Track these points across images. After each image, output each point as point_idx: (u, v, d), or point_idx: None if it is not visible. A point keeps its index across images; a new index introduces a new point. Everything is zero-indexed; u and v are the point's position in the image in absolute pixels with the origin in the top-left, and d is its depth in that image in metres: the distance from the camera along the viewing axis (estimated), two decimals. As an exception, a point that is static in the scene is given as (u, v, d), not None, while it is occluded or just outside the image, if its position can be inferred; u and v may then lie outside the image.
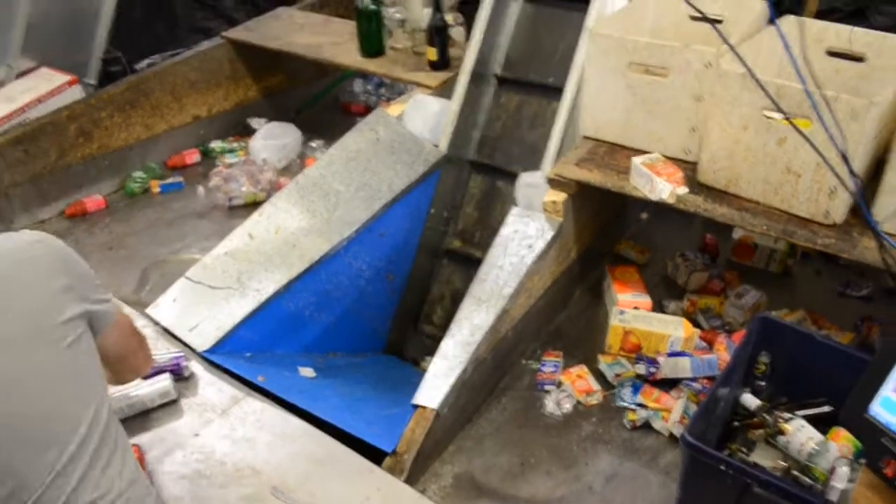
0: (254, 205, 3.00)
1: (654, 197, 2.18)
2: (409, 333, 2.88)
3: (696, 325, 2.46)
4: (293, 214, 2.50)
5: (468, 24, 2.99)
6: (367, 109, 3.85)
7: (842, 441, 1.83)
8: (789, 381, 2.03)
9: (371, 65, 3.25)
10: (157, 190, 3.30)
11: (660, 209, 2.41)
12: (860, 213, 1.97)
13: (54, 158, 3.05)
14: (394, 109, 2.92)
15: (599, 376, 2.33)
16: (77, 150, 3.13)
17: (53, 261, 1.27)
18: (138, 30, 3.99)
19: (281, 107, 3.86)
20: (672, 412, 2.15)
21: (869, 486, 1.47)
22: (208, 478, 1.77)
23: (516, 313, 2.32)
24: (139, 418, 1.92)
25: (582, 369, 2.34)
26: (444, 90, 2.94)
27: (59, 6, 3.52)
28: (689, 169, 2.26)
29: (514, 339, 2.35)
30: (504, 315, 2.23)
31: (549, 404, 2.25)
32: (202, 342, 2.16)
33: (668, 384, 2.24)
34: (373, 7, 3.16)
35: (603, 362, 2.36)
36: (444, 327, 2.62)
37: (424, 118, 2.83)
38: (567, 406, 2.24)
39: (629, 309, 2.44)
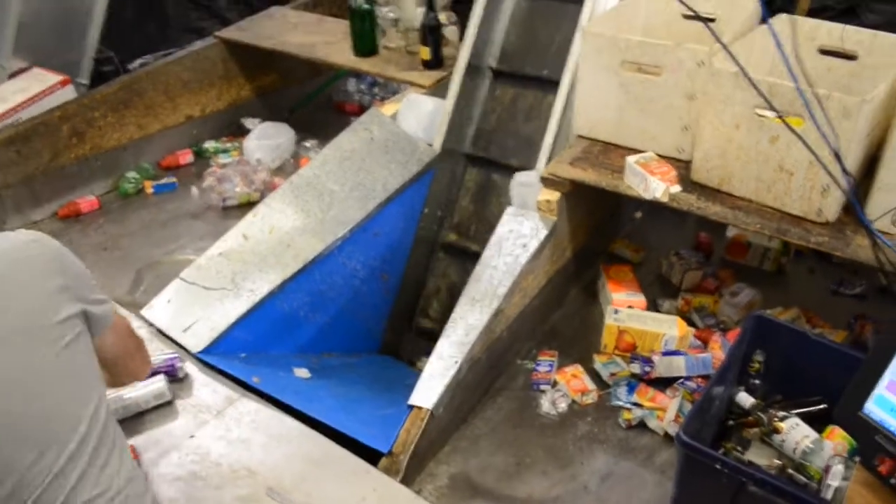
0: (248, 205, 3.00)
1: (647, 196, 2.18)
2: (405, 334, 2.88)
3: (691, 323, 2.47)
4: (287, 214, 2.50)
5: (461, 23, 2.99)
6: (361, 109, 3.85)
7: (836, 439, 1.84)
8: (784, 380, 2.04)
9: (364, 64, 3.25)
10: (150, 190, 3.29)
11: (654, 208, 2.41)
12: (853, 211, 1.98)
13: (47, 159, 3.04)
14: (388, 109, 2.92)
15: (594, 376, 2.33)
16: (70, 150, 3.11)
17: (49, 260, 1.27)
18: (130, 29, 3.97)
19: (274, 106, 3.85)
20: (667, 411, 2.15)
21: (863, 483, 1.47)
22: (204, 479, 1.77)
23: (511, 313, 2.33)
24: (134, 420, 1.92)
25: (577, 369, 2.35)
26: (438, 89, 2.95)
27: (50, 6, 3.50)
28: (682, 167, 2.26)
29: (508, 339, 2.36)
30: (499, 314, 2.24)
31: (545, 404, 2.25)
32: (196, 343, 2.16)
33: (663, 383, 2.25)
34: (366, 6, 3.15)
35: (598, 361, 2.36)
36: (440, 321, 2.65)
37: (418, 117, 2.83)
38: (562, 405, 2.24)
39: (624, 308, 2.44)
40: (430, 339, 2.46)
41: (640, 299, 2.51)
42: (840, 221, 2.04)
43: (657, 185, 2.16)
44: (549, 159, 2.48)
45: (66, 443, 1.21)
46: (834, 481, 1.66)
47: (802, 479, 1.78)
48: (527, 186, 2.47)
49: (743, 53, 2.02)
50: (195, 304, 2.25)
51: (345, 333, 2.62)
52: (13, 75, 3.38)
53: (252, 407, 1.97)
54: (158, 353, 2.06)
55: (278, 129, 3.51)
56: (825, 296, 2.64)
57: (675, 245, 2.80)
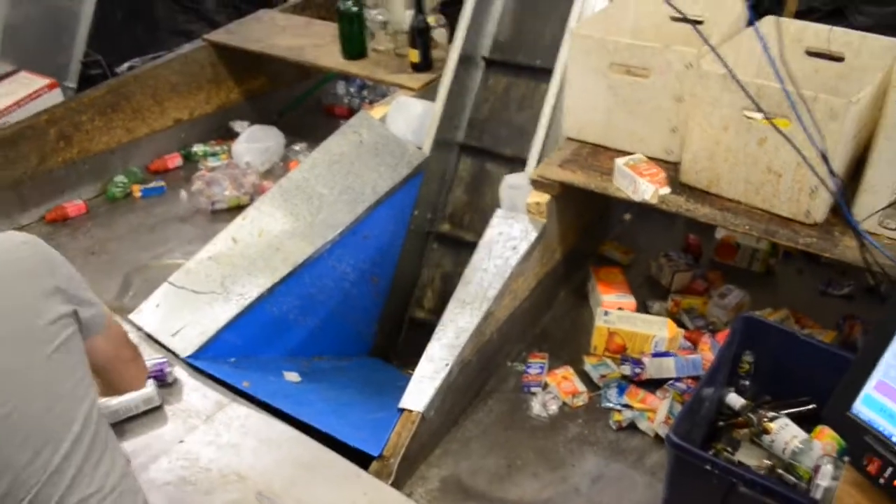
0: (237, 208, 2.99)
1: (637, 198, 2.19)
2: (395, 338, 2.88)
3: (681, 325, 2.47)
4: (277, 218, 2.49)
5: (450, 26, 2.99)
6: (350, 112, 3.84)
7: (825, 439, 1.85)
8: (773, 380, 2.05)
9: (353, 67, 3.25)
10: (138, 194, 3.28)
11: (643, 210, 2.42)
12: (841, 212, 1.98)
13: (35, 163, 3.03)
14: (377, 112, 2.92)
15: (585, 377, 2.34)
16: (57, 154, 3.10)
17: (40, 262, 1.27)
18: (118, 32, 3.96)
19: (263, 109, 3.84)
20: (657, 412, 2.15)
21: (853, 483, 1.47)
22: (193, 484, 1.76)
23: (501, 315, 2.33)
24: (123, 425, 1.90)
25: (567, 371, 2.35)
26: (427, 92, 2.95)
27: (38, 9, 3.49)
28: (671, 169, 2.27)
29: (499, 341, 2.35)
30: (489, 317, 2.23)
31: (535, 406, 2.25)
32: (186, 347, 2.15)
33: (654, 384, 2.25)
34: (355, 9, 3.15)
35: (588, 363, 2.37)
36: (435, 311, 2.68)
37: (407, 120, 2.83)
38: (553, 408, 2.24)
39: (614, 310, 2.44)
40: (423, 329, 2.47)
41: (630, 301, 2.52)
42: (828, 223, 2.05)
43: (646, 187, 2.16)
44: (542, 153, 2.50)
45: (61, 442, 1.21)
46: (823, 481, 1.66)
47: (792, 479, 1.79)
48: (516, 189, 2.47)
49: (731, 55, 2.03)
50: (184, 308, 2.24)
51: (335, 337, 2.61)
52: (0, 79, 3.36)
53: (242, 411, 1.96)
54: (147, 357, 2.04)
55: (267, 133, 3.50)
56: (814, 296, 2.66)
57: (664, 247, 2.81)
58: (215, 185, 3.18)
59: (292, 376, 2.28)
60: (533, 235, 2.36)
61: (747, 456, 1.92)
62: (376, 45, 3.27)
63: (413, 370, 2.14)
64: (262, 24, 3.67)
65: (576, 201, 2.52)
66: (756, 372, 2.06)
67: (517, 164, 2.65)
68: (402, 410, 2.03)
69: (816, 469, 1.72)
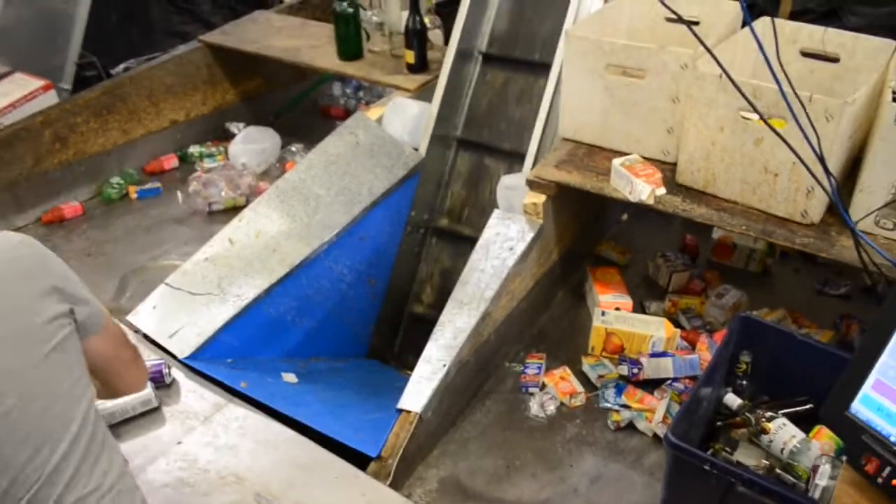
0: (234, 210, 2.98)
1: (633, 198, 2.19)
2: (395, 340, 2.88)
3: (678, 325, 2.48)
4: (273, 219, 2.49)
5: (446, 27, 2.99)
6: (347, 113, 3.84)
7: (823, 439, 1.85)
8: (771, 380, 2.05)
9: (349, 68, 3.24)
10: (135, 196, 3.27)
11: (639, 210, 2.42)
12: (837, 212, 1.99)
13: (30, 165, 3.02)
14: (373, 113, 2.92)
15: (583, 378, 2.34)
16: (53, 156, 3.09)
17: (37, 262, 1.27)
18: (113, 34, 3.94)
19: (259, 111, 3.84)
20: (655, 413, 2.16)
21: (851, 483, 1.48)
22: (191, 486, 1.75)
23: (498, 315, 2.33)
24: (121, 427, 1.89)
25: (565, 371, 2.35)
26: (423, 93, 2.95)
27: (32, 10, 3.48)
28: (667, 170, 2.27)
29: (496, 342, 2.36)
30: (486, 317, 2.24)
31: (533, 406, 2.25)
32: (183, 349, 2.14)
33: (651, 385, 2.26)
34: (350, 10, 3.15)
35: (586, 364, 2.37)
36: (433, 306, 2.70)
37: (404, 121, 2.83)
38: (551, 408, 2.24)
39: (611, 310, 2.44)
40: (422, 324, 2.48)
41: (627, 301, 2.52)
42: (824, 222, 2.05)
43: (643, 188, 2.17)
44: (540, 148, 2.51)
45: (59, 441, 1.22)
46: (821, 481, 1.67)
47: (790, 478, 1.79)
48: (512, 189, 2.48)
49: (726, 56, 2.03)
50: (181, 309, 2.24)
51: (332, 338, 2.61)
52: (-6, 80, 3.35)
53: (239, 413, 1.96)
54: (145, 359, 2.04)
55: (263, 134, 3.50)
56: (811, 296, 2.66)
57: (661, 247, 2.81)
58: (211, 187, 3.18)
59: (290, 377, 2.28)
60: (530, 236, 2.36)
61: (745, 456, 1.92)
62: (372, 46, 3.27)
63: (411, 370, 2.14)
64: (257, 26, 3.67)
65: (572, 202, 2.52)
66: (753, 372, 2.06)
67: (516, 158, 2.66)
68: (401, 411, 2.03)
69: (815, 469, 1.72)
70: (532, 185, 2.40)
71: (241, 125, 3.63)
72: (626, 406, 2.22)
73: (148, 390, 1.93)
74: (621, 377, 2.30)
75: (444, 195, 2.89)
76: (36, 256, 1.28)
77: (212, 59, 3.59)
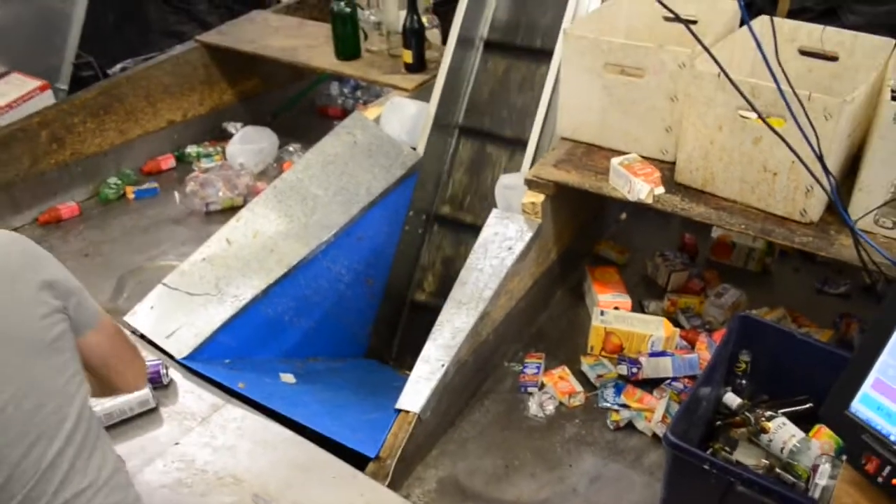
0: (231, 210, 2.98)
1: (632, 197, 2.19)
2: (392, 340, 2.88)
3: (677, 324, 2.47)
4: (271, 219, 2.48)
5: (444, 26, 2.99)
6: (344, 113, 3.83)
7: (823, 438, 1.85)
8: (770, 380, 2.04)
9: (347, 68, 3.24)
10: (132, 196, 3.26)
11: (638, 209, 2.42)
12: (836, 210, 1.98)
13: (27, 165, 3.01)
14: (371, 112, 2.91)
15: (582, 377, 2.33)
16: (50, 156, 3.08)
17: (30, 259, 1.28)
18: (110, 34, 3.94)
19: (257, 111, 3.83)
20: (655, 412, 2.15)
21: (851, 482, 1.47)
22: (189, 486, 1.75)
23: (497, 315, 2.32)
24: (118, 427, 1.89)
25: (564, 371, 2.34)
26: (421, 92, 2.94)
27: (29, 10, 3.47)
28: (666, 169, 2.27)
29: (495, 342, 2.35)
30: (485, 317, 2.23)
31: (532, 406, 2.25)
32: (181, 349, 2.14)
33: (651, 384, 2.25)
34: (348, 10, 3.14)
35: (585, 363, 2.36)
36: (435, 294, 2.72)
37: (401, 121, 2.82)
38: (550, 408, 2.24)
39: (610, 309, 2.44)
40: (424, 312, 2.48)
41: (626, 300, 2.52)
42: (823, 221, 2.05)
43: (641, 187, 2.16)
44: (541, 137, 2.52)
45: (54, 438, 1.22)
46: (821, 480, 1.66)
47: (790, 478, 1.79)
48: (511, 189, 2.47)
49: (724, 55, 2.02)
50: (179, 310, 2.23)
51: (330, 338, 2.61)
52: (-9, 81, 3.34)
53: (237, 413, 1.95)
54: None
55: (261, 134, 3.49)
56: (810, 295, 2.66)
57: (660, 246, 2.81)
58: (209, 187, 3.17)
59: (287, 378, 2.27)
60: (528, 235, 2.36)
61: (745, 455, 1.91)
62: (370, 45, 3.27)
63: (409, 370, 2.14)
64: (254, 25, 3.66)
65: (571, 201, 2.51)
66: (753, 371, 2.05)
67: (517, 145, 2.67)
68: (399, 411, 2.03)
69: (814, 468, 1.72)
70: (530, 184, 2.39)
71: (238, 125, 3.62)
72: (625, 406, 2.21)
73: (146, 391, 1.92)
74: (620, 377, 2.29)
75: (446, 183, 2.89)
76: (28, 254, 1.28)
77: (209, 59, 3.59)
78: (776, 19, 2.23)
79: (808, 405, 1.99)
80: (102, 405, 1.86)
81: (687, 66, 2.13)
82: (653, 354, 2.29)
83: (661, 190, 2.19)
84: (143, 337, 2.17)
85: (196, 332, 2.18)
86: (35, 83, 3.28)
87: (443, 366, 2.09)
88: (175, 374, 2.06)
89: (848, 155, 2.08)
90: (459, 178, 2.88)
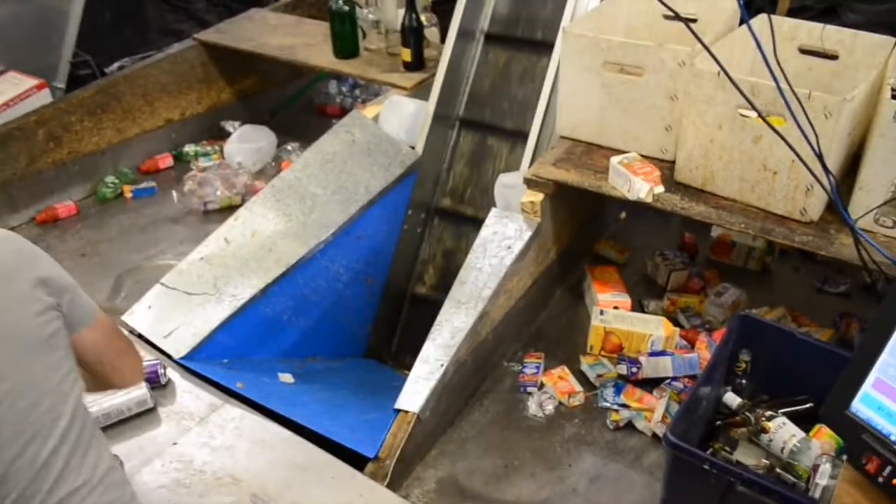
0: (229, 209, 2.98)
1: (632, 197, 2.18)
2: (392, 340, 2.87)
3: (677, 324, 2.47)
4: (269, 218, 2.47)
5: (442, 25, 2.98)
6: (343, 111, 3.83)
7: (823, 438, 1.84)
8: (770, 379, 2.04)
9: (345, 66, 3.23)
10: (129, 195, 3.25)
11: (638, 208, 2.41)
12: (836, 209, 1.98)
13: (24, 164, 3.00)
14: (369, 111, 2.91)
15: (581, 377, 2.33)
16: (47, 155, 3.07)
17: (24, 257, 1.28)
18: (107, 32, 3.93)
19: (255, 109, 3.82)
20: (654, 412, 2.14)
21: (851, 482, 1.47)
22: (187, 487, 1.74)
23: (496, 315, 2.31)
24: (116, 427, 1.89)
25: (563, 370, 2.34)
26: (420, 91, 2.94)
27: (26, 9, 3.46)
28: (666, 168, 2.26)
29: (494, 341, 2.34)
30: (484, 317, 2.22)
31: (532, 406, 2.24)
32: (178, 349, 2.13)
33: (650, 384, 2.24)
34: (346, 8, 3.13)
35: (584, 363, 2.36)
36: (436, 287, 2.72)
37: (400, 119, 2.82)
38: (549, 408, 2.23)
39: (609, 309, 2.43)
40: (425, 305, 2.47)
41: (626, 300, 2.51)
42: (824, 220, 2.05)
43: (641, 186, 2.16)
44: (542, 130, 2.51)
45: (48, 437, 1.22)
46: (822, 480, 1.66)
47: (790, 478, 1.78)
48: (510, 188, 2.47)
49: (724, 54, 2.02)
50: (176, 309, 2.22)
51: (329, 337, 2.60)
52: (-12, 79, 3.33)
53: (236, 413, 1.95)
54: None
55: (259, 133, 3.48)
56: (810, 294, 2.66)
57: (659, 245, 2.80)
58: (207, 186, 3.16)
59: (286, 377, 2.26)
60: (527, 234, 2.35)
61: (745, 455, 1.91)
62: (368, 44, 3.26)
63: (408, 370, 2.13)
64: (252, 24, 3.65)
65: (570, 200, 2.51)
66: (753, 371, 2.05)
67: (518, 138, 2.66)
68: (398, 411, 2.02)
69: (815, 468, 1.71)
70: (530, 183, 2.38)
71: (236, 124, 3.62)
72: (624, 405, 2.20)
73: (143, 390, 1.92)
74: (620, 376, 2.29)
75: (447, 176, 2.89)
76: (20, 252, 1.28)
77: (207, 58, 3.58)
78: (776, 18, 2.23)
79: (808, 405, 1.98)
80: (100, 405, 1.86)
81: (687, 64, 2.13)
82: (652, 354, 2.28)
83: (660, 189, 2.18)
84: (140, 336, 2.16)
85: (194, 332, 2.17)
86: (32, 82, 3.27)
87: (442, 365, 2.08)
88: (173, 373, 2.06)
89: (848, 154, 2.07)
90: (460, 171, 2.87)
